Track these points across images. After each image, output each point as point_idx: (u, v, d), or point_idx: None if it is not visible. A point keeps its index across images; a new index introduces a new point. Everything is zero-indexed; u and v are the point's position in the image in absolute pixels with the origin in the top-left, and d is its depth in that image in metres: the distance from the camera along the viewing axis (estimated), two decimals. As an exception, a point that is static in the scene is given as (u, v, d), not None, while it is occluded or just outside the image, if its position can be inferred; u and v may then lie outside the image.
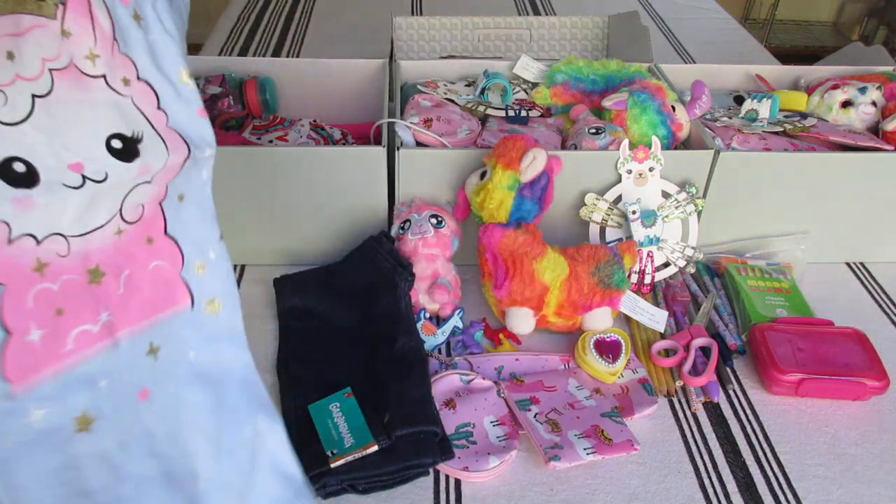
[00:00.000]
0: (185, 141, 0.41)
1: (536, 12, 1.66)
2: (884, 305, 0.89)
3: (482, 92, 0.98)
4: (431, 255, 0.81)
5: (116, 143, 0.40)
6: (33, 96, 0.38)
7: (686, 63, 1.42)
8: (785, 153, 0.87)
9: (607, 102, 0.89)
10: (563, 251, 0.79)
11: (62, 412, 0.39)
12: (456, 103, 0.96)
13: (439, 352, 0.79)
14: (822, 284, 0.90)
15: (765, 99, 0.96)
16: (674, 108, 0.89)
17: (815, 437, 0.71)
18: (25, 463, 0.38)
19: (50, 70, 0.38)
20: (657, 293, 0.87)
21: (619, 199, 0.86)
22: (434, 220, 0.81)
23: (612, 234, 0.87)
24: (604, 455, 0.66)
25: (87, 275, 0.41)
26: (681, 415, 0.73)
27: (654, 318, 0.81)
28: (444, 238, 0.81)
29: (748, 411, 0.74)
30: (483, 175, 0.79)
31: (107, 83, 0.40)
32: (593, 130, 0.86)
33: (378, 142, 0.83)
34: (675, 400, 0.75)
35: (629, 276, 0.85)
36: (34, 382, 0.39)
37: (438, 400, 0.71)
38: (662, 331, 0.81)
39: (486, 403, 0.71)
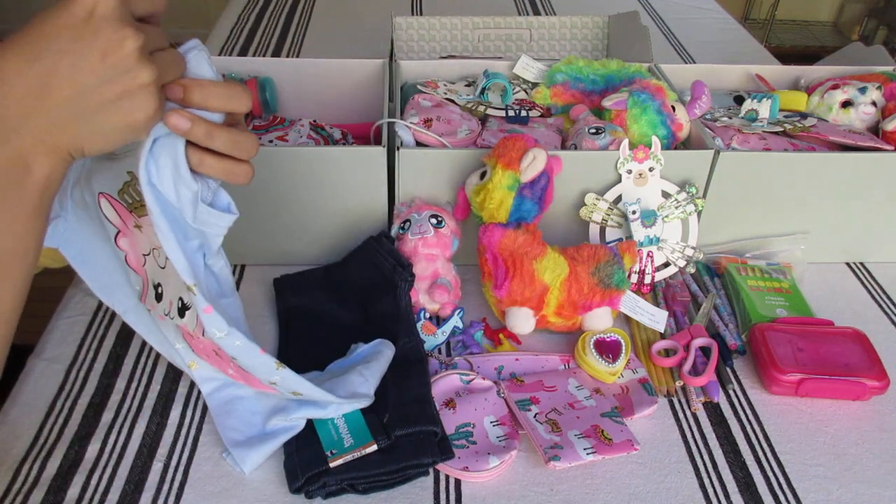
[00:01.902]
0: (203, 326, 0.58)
1: (536, 12, 1.66)
2: (884, 305, 0.89)
3: (482, 92, 0.98)
4: (431, 255, 0.81)
5: (178, 304, 0.59)
6: (166, 258, 0.54)
7: (686, 63, 1.42)
8: (785, 153, 0.87)
9: (607, 102, 0.89)
10: (563, 251, 0.79)
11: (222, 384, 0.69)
12: (456, 103, 0.96)
13: (439, 352, 0.79)
14: (822, 284, 0.90)
15: (765, 99, 0.96)
16: (674, 108, 0.89)
17: (815, 437, 0.71)
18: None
19: None
20: (657, 293, 0.87)
21: (619, 199, 0.86)
22: (434, 220, 0.81)
23: (612, 234, 0.87)
24: (604, 455, 0.66)
25: (213, 351, 0.62)
26: (681, 415, 0.73)
27: (654, 318, 0.81)
28: (444, 238, 0.81)
29: (748, 411, 0.74)
30: (483, 175, 0.79)
31: None
32: (593, 130, 0.86)
33: (378, 142, 0.83)
34: (675, 400, 0.75)
35: (629, 276, 0.85)
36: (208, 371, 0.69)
37: (438, 400, 0.71)
38: (662, 331, 0.81)
39: (486, 403, 0.71)
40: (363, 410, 0.67)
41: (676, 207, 0.85)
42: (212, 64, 0.51)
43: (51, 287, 0.88)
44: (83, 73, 0.44)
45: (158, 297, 0.61)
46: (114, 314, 0.81)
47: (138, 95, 0.46)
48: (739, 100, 1.04)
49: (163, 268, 0.59)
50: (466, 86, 1.02)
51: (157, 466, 0.65)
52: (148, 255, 0.60)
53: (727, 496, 0.66)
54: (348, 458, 0.63)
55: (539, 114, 0.98)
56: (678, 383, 0.75)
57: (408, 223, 0.81)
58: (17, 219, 0.47)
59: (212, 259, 0.60)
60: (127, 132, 0.48)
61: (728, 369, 0.78)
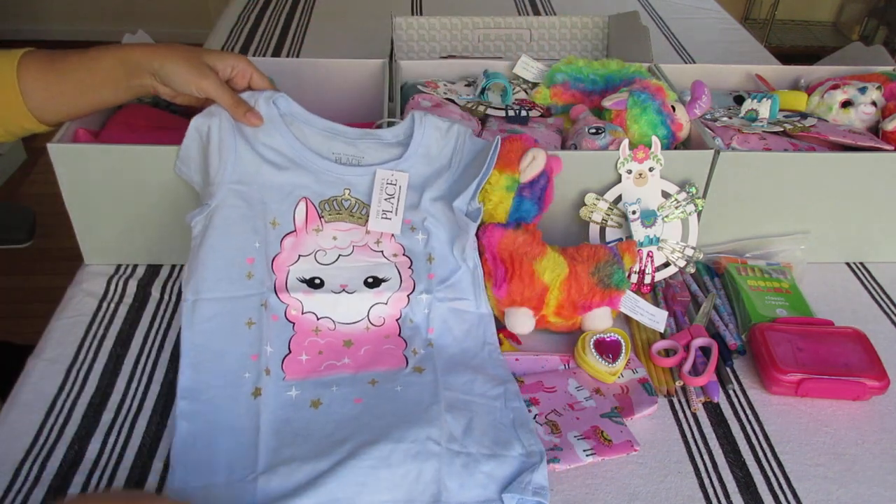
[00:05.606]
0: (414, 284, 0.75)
1: (536, 12, 1.66)
2: (884, 305, 0.89)
3: (482, 92, 0.98)
4: (431, 256, 0.81)
5: (370, 280, 0.75)
6: (339, 255, 0.75)
7: (686, 63, 1.42)
8: (785, 153, 0.87)
9: (607, 102, 0.89)
10: (563, 251, 0.79)
11: (305, 395, 0.69)
12: (456, 103, 0.96)
13: (439, 352, 0.79)
14: (822, 284, 0.90)
15: (765, 99, 0.96)
16: (674, 108, 0.89)
17: (815, 437, 0.72)
18: (279, 411, 0.67)
19: (353, 244, 0.76)
20: (657, 293, 0.87)
21: (619, 199, 0.86)
22: (434, 221, 0.81)
23: (612, 234, 0.87)
24: (603, 457, 0.66)
25: (342, 343, 0.73)
26: (681, 415, 0.73)
27: (654, 318, 0.81)
28: (444, 238, 0.81)
29: (748, 411, 0.74)
30: (483, 175, 0.79)
31: (382, 255, 0.76)
32: (593, 130, 0.86)
33: (378, 142, 0.83)
34: (675, 400, 0.75)
35: (629, 276, 0.85)
36: (296, 379, 0.70)
37: (438, 400, 0.71)
38: (662, 331, 0.81)
39: (486, 403, 0.71)
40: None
41: (676, 207, 0.85)
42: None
43: (51, 287, 0.88)
44: None
45: (315, 285, 0.73)
46: (114, 314, 0.81)
47: None
48: (739, 100, 1.04)
49: (328, 264, 0.74)
50: (466, 86, 1.02)
51: (157, 466, 0.65)
52: (307, 255, 0.75)
53: (727, 496, 0.66)
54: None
55: (539, 114, 0.98)
56: (678, 383, 0.75)
57: (408, 223, 0.82)
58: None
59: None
60: None
61: (728, 369, 0.78)
